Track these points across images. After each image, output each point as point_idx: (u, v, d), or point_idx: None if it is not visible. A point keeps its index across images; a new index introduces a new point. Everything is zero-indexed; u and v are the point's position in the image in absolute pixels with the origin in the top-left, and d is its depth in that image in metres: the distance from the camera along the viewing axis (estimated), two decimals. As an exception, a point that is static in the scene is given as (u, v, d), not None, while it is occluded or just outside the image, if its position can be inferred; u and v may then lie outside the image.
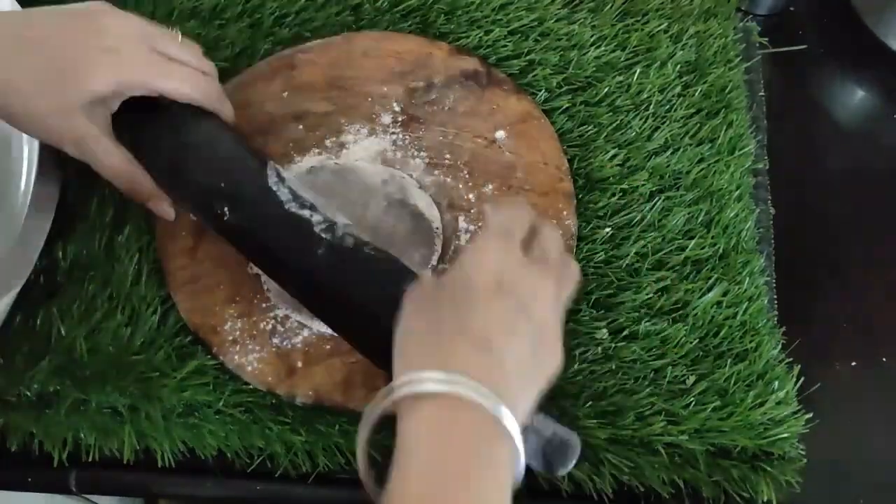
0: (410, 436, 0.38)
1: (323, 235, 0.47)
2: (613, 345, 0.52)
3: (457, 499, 0.36)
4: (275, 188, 0.48)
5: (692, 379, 0.52)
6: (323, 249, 0.46)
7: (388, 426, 0.49)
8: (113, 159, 0.50)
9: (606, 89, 0.61)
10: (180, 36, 0.52)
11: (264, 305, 0.53)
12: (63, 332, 0.52)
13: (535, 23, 0.64)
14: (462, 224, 0.55)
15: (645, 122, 0.60)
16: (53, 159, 0.55)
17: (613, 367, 0.52)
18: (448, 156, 0.58)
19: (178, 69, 0.50)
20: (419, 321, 0.41)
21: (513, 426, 0.38)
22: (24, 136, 0.56)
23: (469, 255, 0.43)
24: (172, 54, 0.51)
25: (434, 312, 0.41)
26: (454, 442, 0.37)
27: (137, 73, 0.49)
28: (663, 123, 0.60)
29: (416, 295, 0.43)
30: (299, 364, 0.51)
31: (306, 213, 0.48)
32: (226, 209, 0.48)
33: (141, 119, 0.51)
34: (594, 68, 0.62)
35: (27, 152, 0.56)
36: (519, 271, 0.42)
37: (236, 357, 0.51)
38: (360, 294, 0.46)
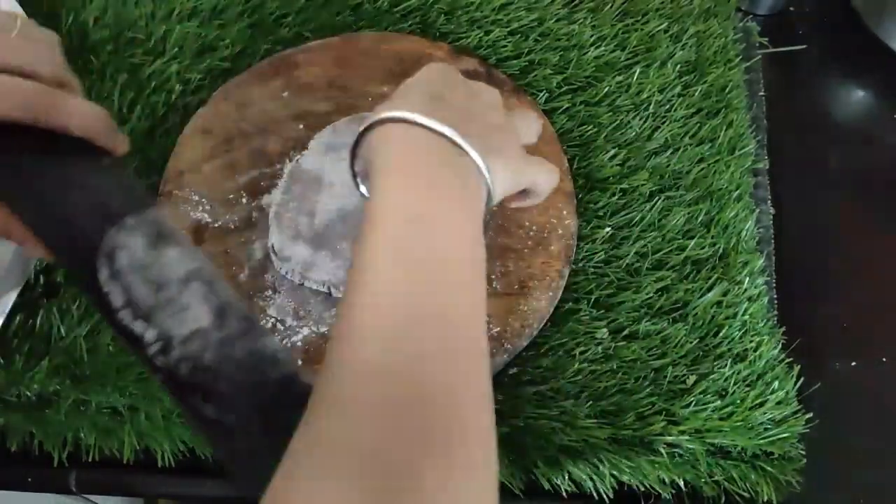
0: (384, 151, 0.39)
1: (156, 362, 0.36)
2: (613, 345, 0.52)
3: (438, 207, 0.37)
4: (106, 289, 0.37)
5: (692, 379, 0.52)
6: (160, 377, 0.37)
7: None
8: None
9: (606, 89, 0.61)
10: (18, 20, 0.39)
11: (264, 304, 0.53)
12: (63, 332, 0.52)
13: (535, 23, 0.64)
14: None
15: (645, 121, 0.60)
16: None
17: (613, 367, 0.52)
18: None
19: None
20: (407, 87, 0.42)
21: (477, 158, 0.39)
22: None
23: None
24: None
25: (419, 86, 0.42)
26: (428, 158, 0.39)
27: None
28: (663, 123, 0.60)
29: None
30: (299, 362, 0.51)
31: (139, 326, 0.36)
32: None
33: None
34: (594, 68, 0.62)
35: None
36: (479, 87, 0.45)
37: (236, 357, 0.51)
38: (199, 425, 0.37)
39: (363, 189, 0.44)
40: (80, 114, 0.38)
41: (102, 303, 0.37)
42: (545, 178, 0.45)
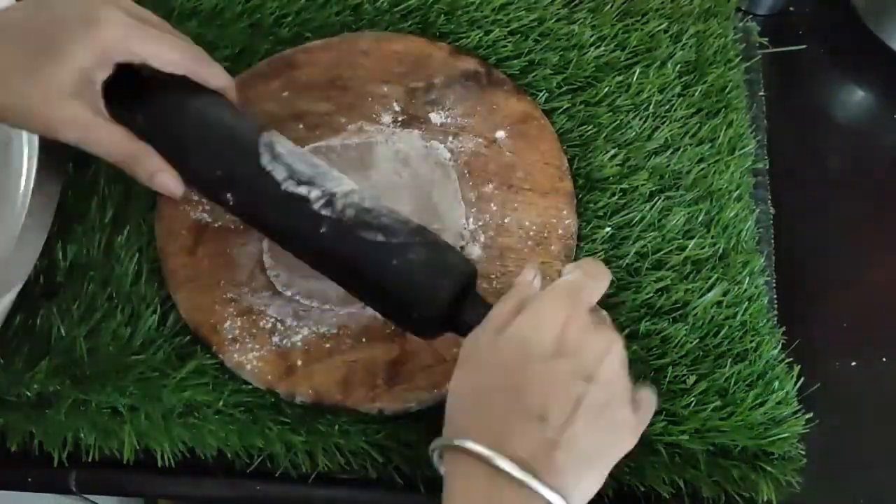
0: (455, 492, 0.37)
1: (322, 213, 0.46)
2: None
3: None
4: (269, 168, 0.47)
5: (692, 379, 0.52)
6: (325, 227, 0.45)
7: (387, 426, 0.49)
8: (112, 140, 0.47)
9: (606, 89, 0.61)
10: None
11: (264, 304, 0.53)
12: (63, 332, 0.52)
13: (535, 23, 0.64)
14: (461, 222, 0.55)
15: (645, 121, 0.60)
16: (54, 159, 0.55)
17: (613, 366, 0.52)
18: (448, 156, 0.58)
19: (158, 34, 0.47)
20: (467, 385, 0.39)
21: (557, 500, 0.36)
22: (24, 135, 0.56)
23: (529, 313, 0.40)
24: (153, 21, 0.48)
25: (486, 376, 0.38)
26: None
27: (117, 37, 0.46)
28: (663, 123, 0.60)
29: (469, 350, 0.40)
30: (299, 363, 0.51)
31: (303, 189, 0.46)
32: (228, 196, 0.48)
33: (134, 97, 0.49)
34: (594, 68, 0.62)
35: (27, 152, 0.56)
36: (583, 332, 0.39)
37: (236, 356, 0.51)
38: (366, 267, 0.45)
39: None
40: (220, 77, 0.50)
41: (266, 180, 0.47)
42: (628, 446, 0.40)
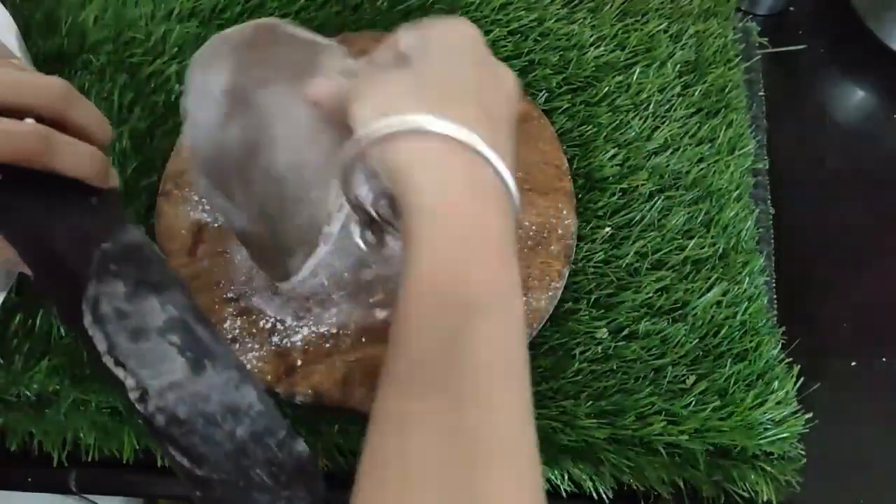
0: (407, 182, 0.35)
1: (137, 406, 0.37)
2: (613, 345, 0.52)
3: (485, 253, 0.34)
4: (90, 332, 0.37)
5: (692, 379, 0.52)
6: (139, 420, 0.38)
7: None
8: None
9: (606, 89, 0.61)
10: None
11: (264, 304, 0.53)
12: (63, 332, 0.52)
13: (535, 23, 0.64)
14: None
15: (645, 121, 0.60)
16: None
17: (613, 366, 0.52)
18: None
19: None
20: (375, 84, 0.37)
21: (500, 165, 0.35)
22: None
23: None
24: None
25: (385, 75, 0.38)
26: (463, 187, 0.35)
27: None
28: (663, 123, 0.60)
29: (364, 68, 0.40)
30: (299, 362, 0.51)
31: (120, 372, 0.37)
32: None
33: None
34: (594, 68, 0.62)
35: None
36: (424, 33, 0.39)
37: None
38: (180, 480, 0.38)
39: (363, 239, 0.39)
40: (73, 155, 0.37)
41: (88, 345, 0.37)
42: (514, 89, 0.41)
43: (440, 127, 0.34)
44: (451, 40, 0.39)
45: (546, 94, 0.61)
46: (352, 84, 0.39)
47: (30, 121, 0.36)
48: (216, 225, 0.55)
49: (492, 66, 0.40)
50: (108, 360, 0.37)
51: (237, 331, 0.52)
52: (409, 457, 0.32)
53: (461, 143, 0.35)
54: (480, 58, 0.40)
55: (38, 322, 0.52)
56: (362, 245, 0.39)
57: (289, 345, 0.52)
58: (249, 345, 0.52)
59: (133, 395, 0.37)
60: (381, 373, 0.35)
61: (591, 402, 0.51)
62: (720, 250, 0.56)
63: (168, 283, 0.38)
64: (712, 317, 0.53)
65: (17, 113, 0.35)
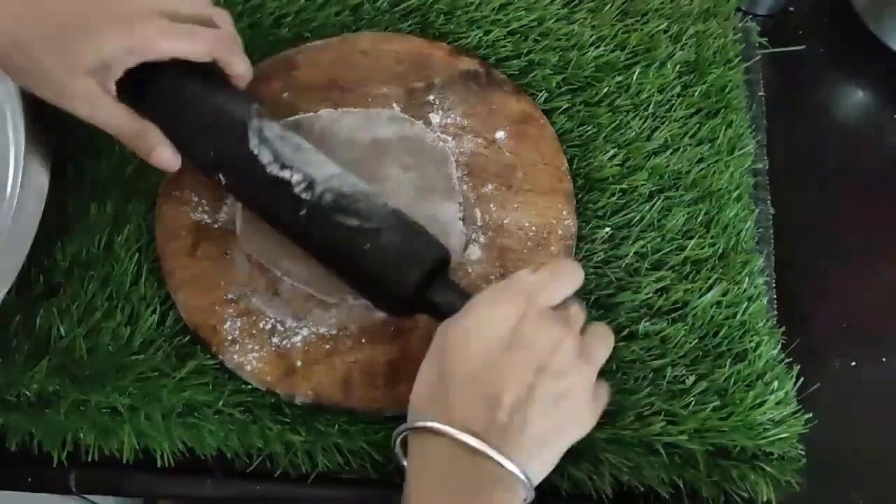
0: (415, 469, 0.42)
1: (303, 196, 0.49)
2: (613, 345, 0.52)
3: None
4: (256, 152, 0.50)
5: (692, 379, 0.52)
6: (305, 210, 0.49)
7: (387, 426, 0.49)
8: (117, 118, 0.50)
9: (606, 89, 0.61)
10: None
11: (264, 305, 0.53)
12: (63, 331, 0.52)
13: (535, 23, 0.64)
14: (460, 227, 0.55)
15: (644, 122, 0.60)
16: (40, 165, 0.54)
17: (613, 367, 0.52)
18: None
19: (188, 30, 0.49)
20: (433, 372, 0.43)
21: (514, 472, 0.39)
22: (11, 138, 0.54)
23: (484, 302, 0.44)
24: (182, 12, 0.50)
25: (448, 365, 0.42)
26: (455, 485, 0.40)
27: (148, 38, 0.48)
28: (663, 123, 0.60)
29: (438, 339, 0.44)
30: (299, 363, 0.51)
31: (286, 173, 0.49)
32: (220, 176, 0.51)
33: (142, 81, 0.50)
34: (594, 68, 0.62)
35: (13, 154, 0.55)
36: (535, 327, 0.42)
37: (235, 356, 0.51)
38: (341, 249, 0.49)
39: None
40: (242, 66, 0.52)
41: (254, 163, 0.49)
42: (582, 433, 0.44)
43: (449, 431, 0.40)
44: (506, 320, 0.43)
45: (546, 94, 0.61)
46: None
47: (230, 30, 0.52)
48: (216, 225, 0.56)
49: (579, 406, 0.43)
50: (273, 168, 0.49)
51: (237, 332, 0.52)
52: None
53: (468, 447, 0.40)
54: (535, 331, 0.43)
55: (38, 322, 0.52)
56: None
57: (289, 345, 0.52)
58: (249, 345, 0.52)
59: (299, 189, 0.49)
60: None
61: (590, 403, 0.50)
62: (720, 250, 0.56)
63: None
64: (712, 317, 0.53)
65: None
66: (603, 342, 0.45)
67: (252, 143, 0.50)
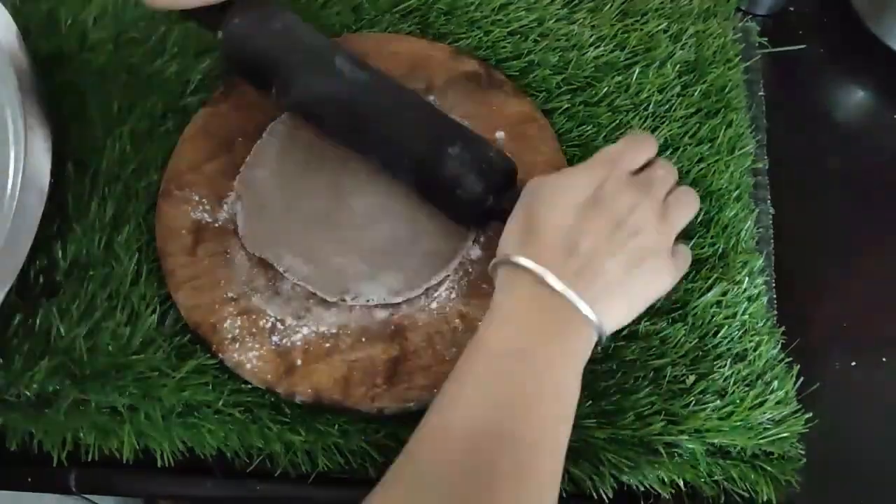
0: (497, 301, 0.45)
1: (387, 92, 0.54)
2: (613, 345, 0.52)
3: (534, 364, 0.43)
4: (340, 66, 0.53)
5: (692, 379, 0.52)
6: (390, 103, 0.54)
7: (387, 426, 0.49)
8: None
9: (606, 89, 0.61)
10: None
11: (264, 304, 0.53)
12: (62, 331, 0.52)
13: (535, 23, 0.64)
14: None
15: (644, 121, 0.60)
16: (40, 165, 0.54)
17: (613, 366, 0.52)
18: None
19: None
20: (520, 214, 0.47)
21: (589, 313, 0.43)
22: (11, 138, 0.54)
23: (572, 169, 0.48)
24: None
25: (533, 210, 0.46)
26: (538, 318, 0.44)
27: None
28: (663, 123, 0.60)
29: (530, 188, 0.48)
30: (299, 362, 0.51)
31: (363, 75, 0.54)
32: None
33: None
34: (593, 68, 0.62)
35: (13, 154, 0.55)
36: (616, 188, 0.46)
37: (235, 355, 0.51)
38: (419, 142, 0.53)
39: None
40: None
41: (337, 73, 0.53)
42: (661, 291, 0.48)
43: (531, 266, 0.44)
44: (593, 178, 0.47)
45: (546, 95, 0.61)
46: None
47: None
48: (216, 225, 0.56)
49: (634, 187, 0.47)
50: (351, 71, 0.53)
51: (237, 330, 0.52)
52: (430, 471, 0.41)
53: (541, 282, 0.44)
54: (620, 187, 0.47)
55: (38, 322, 0.52)
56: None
57: (289, 344, 0.52)
58: (249, 344, 0.52)
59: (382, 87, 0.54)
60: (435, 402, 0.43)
61: (591, 402, 0.50)
62: (720, 250, 0.56)
63: None
64: (712, 317, 0.53)
65: None
66: (684, 207, 0.48)
67: (338, 62, 0.53)
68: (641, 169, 0.48)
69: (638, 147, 0.49)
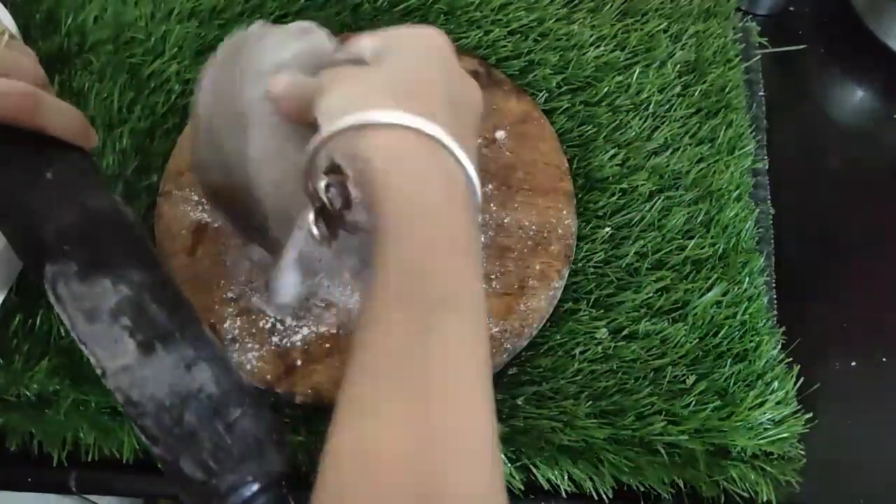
0: (376, 174, 0.35)
1: (104, 382, 0.38)
2: (613, 345, 0.52)
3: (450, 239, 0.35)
4: (56, 309, 0.38)
5: (692, 379, 0.52)
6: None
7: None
8: None
9: (606, 89, 0.61)
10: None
11: (264, 304, 0.53)
12: (63, 332, 0.52)
13: (535, 23, 0.64)
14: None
15: (644, 121, 0.60)
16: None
17: (613, 366, 0.52)
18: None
19: None
20: (343, 80, 0.38)
21: (465, 159, 0.36)
22: None
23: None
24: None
25: (352, 71, 0.39)
26: (431, 180, 0.35)
27: None
28: (663, 123, 0.60)
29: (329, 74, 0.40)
30: (298, 362, 0.51)
31: (84, 350, 0.38)
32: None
33: None
34: (594, 68, 0.62)
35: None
36: (394, 36, 0.40)
37: (235, 355, 0.51)
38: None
39: (317, 228, 0.38)
40: (60, 113, 0.39)
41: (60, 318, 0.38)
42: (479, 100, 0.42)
43: (408, 121, 0.35)
44: (422, 44, 0.40)
45: (546, 94, 0.61)
46: (317, 80, 0.39)
47: (21, 82, 0.37)
48: (216, 225, 0.56)
49: (459, 75, 0.41)
50: (74, 337, 0.38)
51: (237, 331, 0.52)
52: (370, 449, 0.33)
53: (428, 138, 0.35)
54: (450, 65, 0.40)
55: (38, 322, 0.52)
56: (315, 232, 0.38)
57: (289, 345, 0.52)
58: (249, 345, 0.52)
59: (98, 372, 0.37)
60: (348, 360, 0.35)
61: (590, 402, 0.51)
62: (720, 250, 0.56)
63: (129, 254, 0.39)
64: (712, 317, 0.53)
65: None
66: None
67: (51, 298, 0.38)
68: None
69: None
